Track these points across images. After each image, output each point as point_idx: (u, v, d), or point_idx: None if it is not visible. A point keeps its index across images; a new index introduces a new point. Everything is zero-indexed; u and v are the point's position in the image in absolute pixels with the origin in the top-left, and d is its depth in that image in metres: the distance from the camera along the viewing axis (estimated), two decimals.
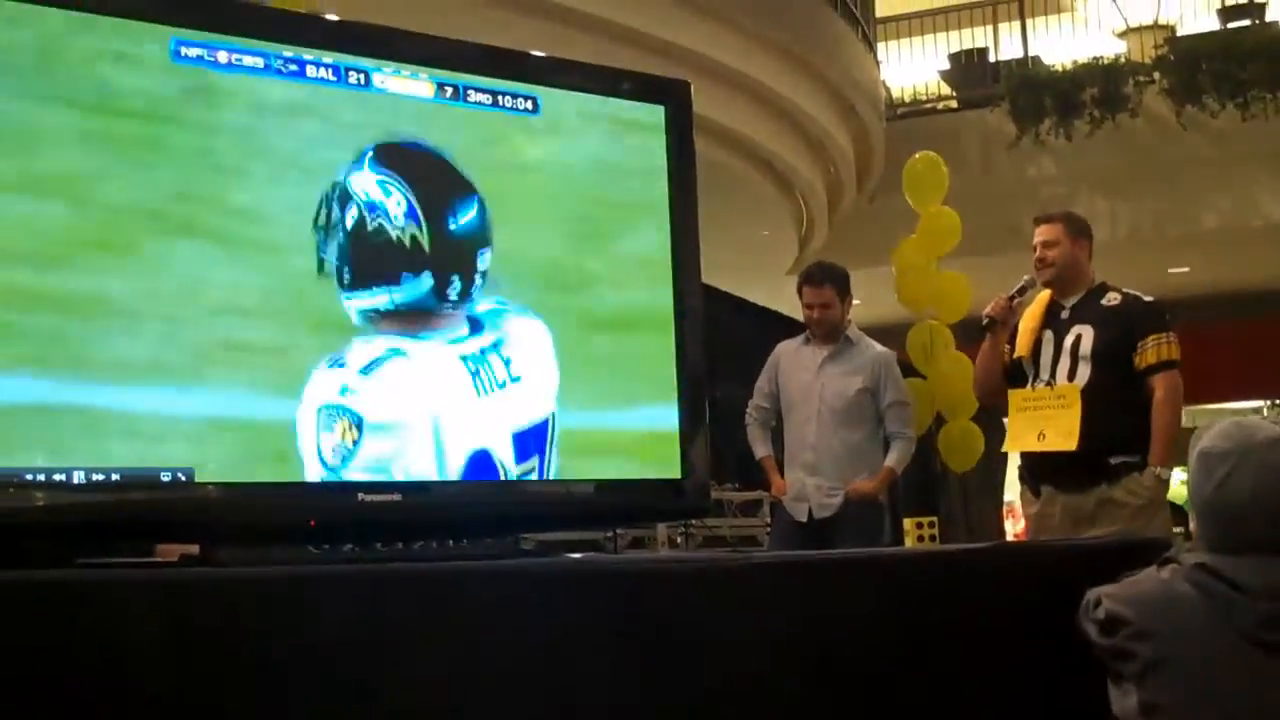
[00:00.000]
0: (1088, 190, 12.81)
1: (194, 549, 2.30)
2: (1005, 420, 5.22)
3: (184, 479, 2.19)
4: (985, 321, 5.23)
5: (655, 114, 2.76)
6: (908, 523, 5.35)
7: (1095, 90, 12.38)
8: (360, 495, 2.34)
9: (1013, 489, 12.09)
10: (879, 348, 6.19)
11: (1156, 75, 12.45)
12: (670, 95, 2.81)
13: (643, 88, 2.79)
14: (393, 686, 2.01)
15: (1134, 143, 12.40)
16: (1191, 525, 2.57)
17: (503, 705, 2.10)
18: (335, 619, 2.00)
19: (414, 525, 2.42)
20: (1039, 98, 12.54)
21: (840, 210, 13.05)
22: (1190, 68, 12.04)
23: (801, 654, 2.42)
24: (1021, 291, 5.23)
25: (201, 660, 1.87)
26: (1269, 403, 14.61)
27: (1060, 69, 12.94)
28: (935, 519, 5.18)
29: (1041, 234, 5.17)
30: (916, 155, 7.84)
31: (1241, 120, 11.84)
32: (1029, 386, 5.07)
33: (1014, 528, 12.36)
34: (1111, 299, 5.04)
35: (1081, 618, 2.54)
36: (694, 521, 6.71)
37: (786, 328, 7.41)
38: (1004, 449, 5.36)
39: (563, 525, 3.79)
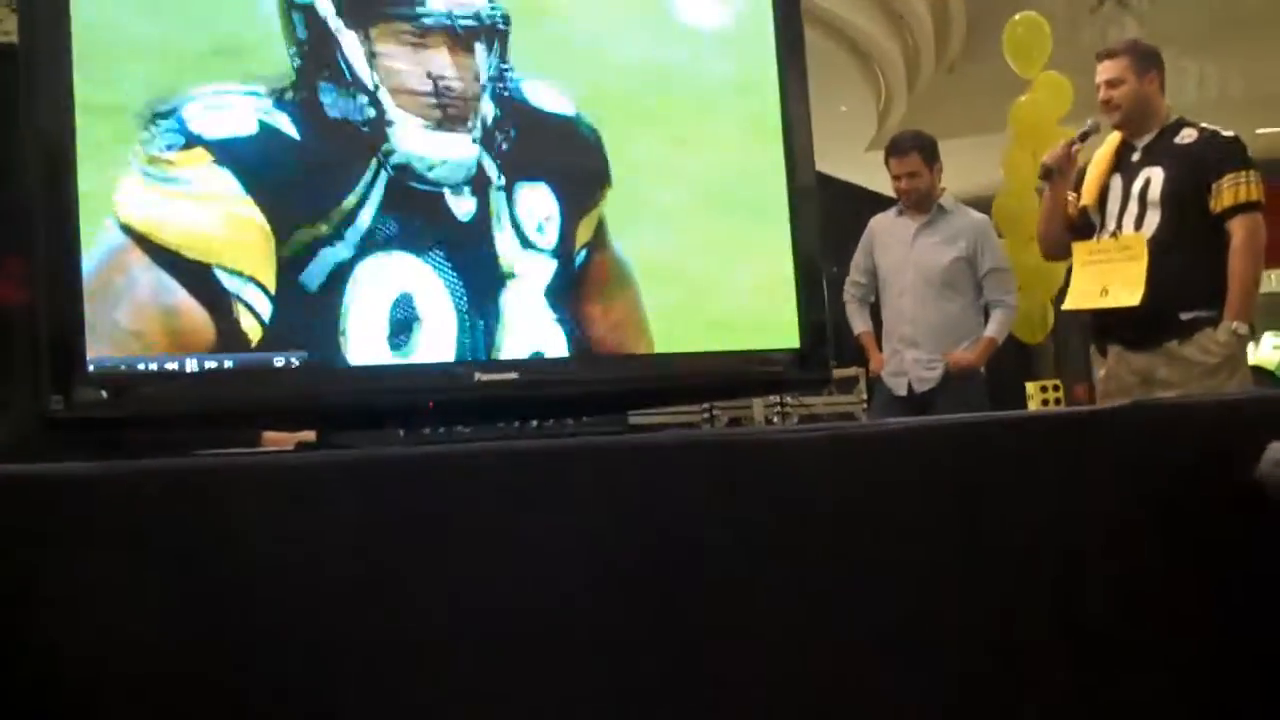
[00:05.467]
0: (1173, 51, 12.37)
1: (310, 436, 2.25)
2: None
3: (297, 364, 2.13)
4: (1041, 171, 4.95)
5: None
6: (1031, 387, 5.23)
7: None
8: (477, 374, 2.26)
9: None
10: (975, 214, 6.07)
11: None
12: None
13: None
14: (535, 566, 1.95)
15: (1218, 1, 12.03)
16: None
17: (664, 583, 2.06)
18: (467, 498, 1.94)
19: (531, 404, 2.36)
20: None
21: (919, 83, 12.80)
22: None
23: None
24: (1084, 136, 4.92)
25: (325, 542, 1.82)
26: None
27: None
28: (1059, 382, 5.06)
29: (1104, 71, 4.85)
30: (1017, 17, 7.67)
31: None
32: (1096, 238, 4.80)
33: None
34: (1187, 135, 4.73)
35: (1273, 472, 2.39)
36: (789, 400, 6.64)
37: (873, 203, 7.29)
38: (1065, 307, 5.03)
39: (678, 399, 3.71)
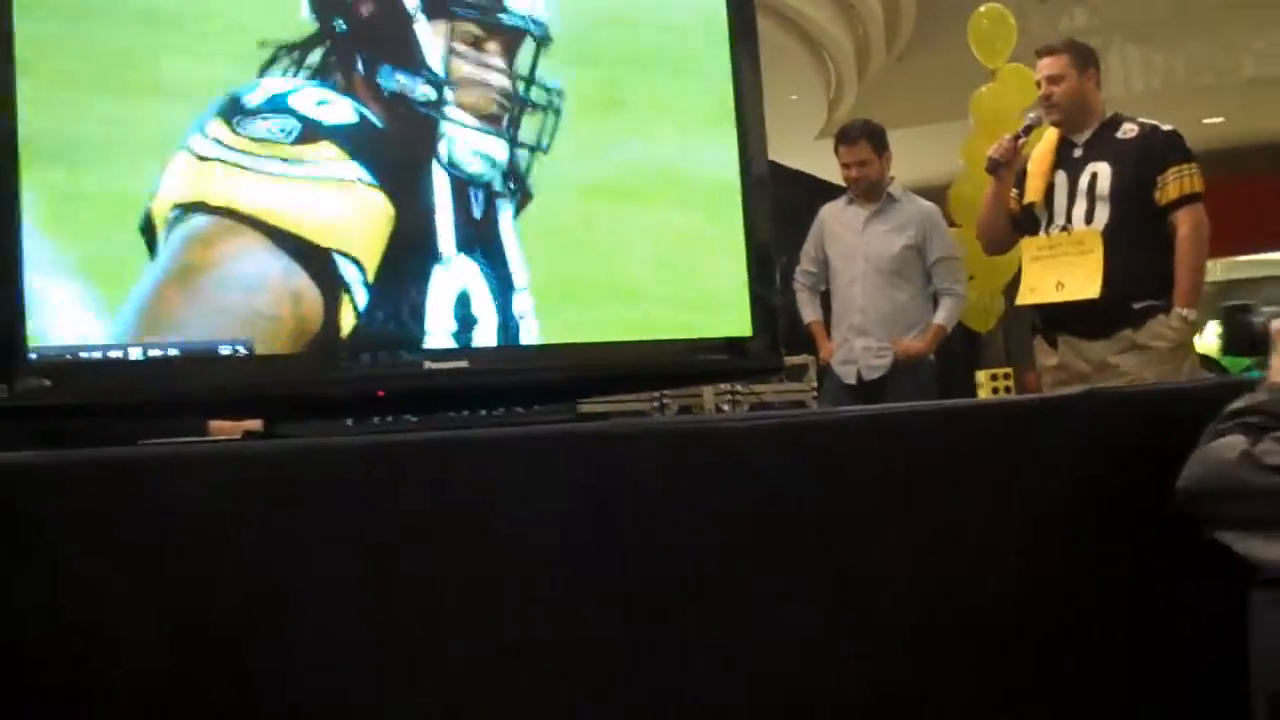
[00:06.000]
0: (1120, 40, 12.55)
1: (256, 425, 2.22)
2: None
3: (244, 352, 2.10)
4: (988, 165, 4.99)
5: None
6: (981, 375, 5.26)
7: None
8: (427, 363, 2.24)
9: None
10: (924, 203, 6.08)
11: None
12: None
13: None
14: (478, 557, 1.94)
15: None
16: None
17: (598, 570, 2.05)
18: (418, 486, 1.93)
19: (482, 392, 2.34)
20: None
21: (869, 72, 12.83)
22: None
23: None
24: (1028, 130, 4.96)
25: (283, 533, 1.80)
26: None
27: None
28: (1010, 370, 5.09)
29: (1045, 68, 4.92)
30: (982, 9, 7.73)
31: None
32: (1043, 233, 4.85)
33: None
34: (1128, 131, 4.79)
35: (1241, 465, 2.40)
36: (739, 388, 6.64)
37: (823, 191, 7.30)
38: (1019, 302, 5.07)
39: (629, 387, 3.70)
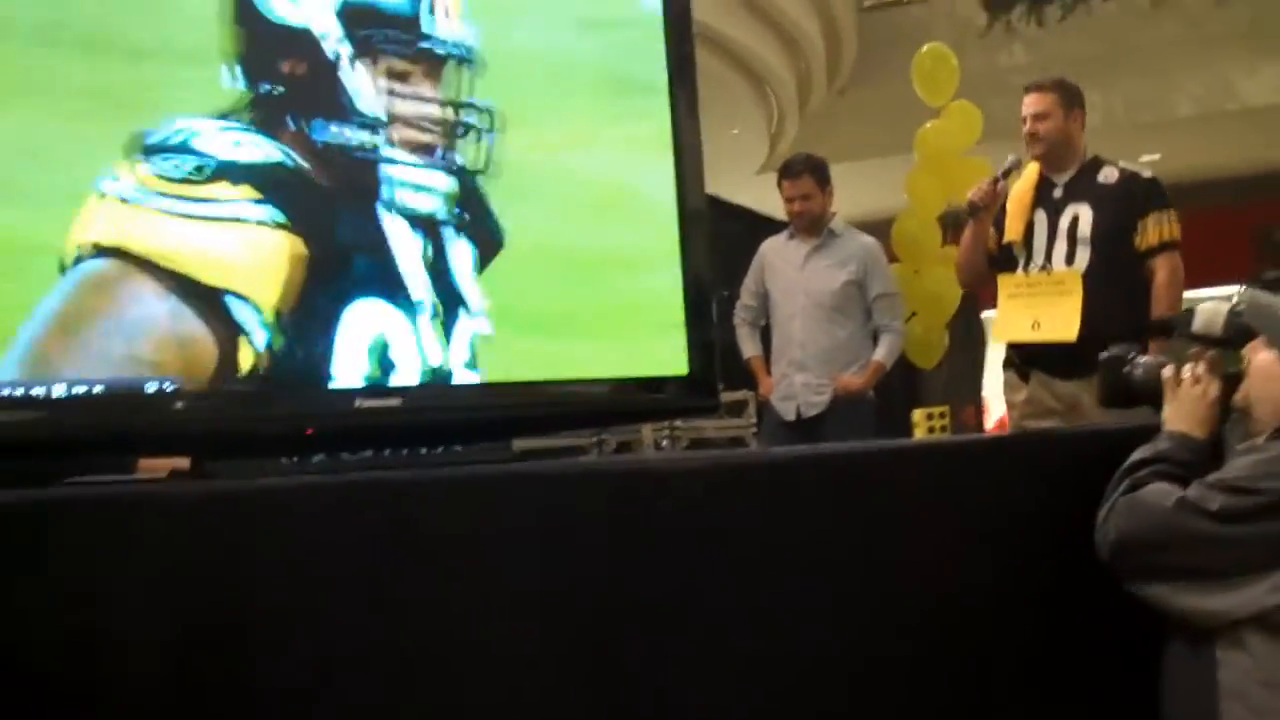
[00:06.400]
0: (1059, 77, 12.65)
1: (184, 463, 2.18)
2: (983, 315, 5.04)
3: (170, 389, 2.06)
4: (968, 207, 4.98)
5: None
6: (917, 414, 5.22)
7: None
8: (358, 400, 2.20)
9: (991, 386, 12.14)
10: (865, 238, 6.08)
11: None
12: None
13: None
14: (404, 604, 1.90)
15: (1106, 28, 12.22)
16: None
17: (530, 624, 2.02)
18: (336, 529, 1.89)
19: (414, 431, 2.30)
20: None
21: (811, 106, 12.88)
22: None
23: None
24: (1007, 173, 4.92)
25: (202, 576, 1.76)
26: (1241, 288, 14.52)
27: None
28: (946, 409, 5.07)
29: (1031, 104, 4.88)
30: (924, 49, 7.76)
31: (1214, 2, 11.67)
32: (1021, 271, 4.83)
33: (989, 423, 12.39)
34: (1109, 175, 4.78)
35: (1180, 513, 2.40)
36: (679, 424, 6.62)
37: (765, 226, 7.30)
38: (994, 339, 5.04)
39: (566, 426, 3.67)
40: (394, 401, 2.23)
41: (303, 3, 2.18)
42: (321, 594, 1.83)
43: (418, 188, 2.26)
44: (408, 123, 2.26)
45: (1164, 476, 2.47)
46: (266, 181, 2.09)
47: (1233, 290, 2.83)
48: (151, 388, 2.04)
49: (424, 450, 2.27)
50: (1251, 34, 11.99)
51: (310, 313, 2.15)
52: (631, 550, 2.15)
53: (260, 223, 2.09)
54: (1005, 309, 4.83)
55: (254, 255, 2.08)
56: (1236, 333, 2.62)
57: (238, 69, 2.10)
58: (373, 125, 2.22)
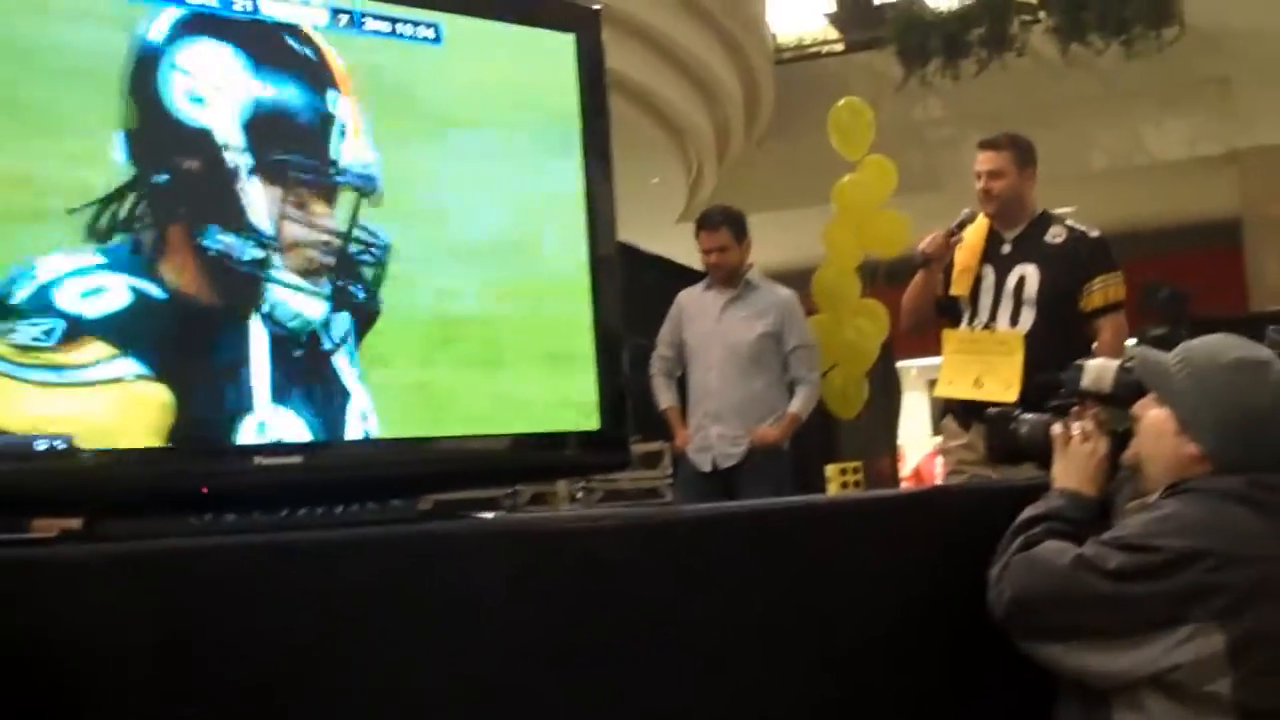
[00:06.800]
0: (975, 130, 12.57)
1: (75, 523, 2.10)
2: (899, 365, 5.07)
3: (62, 447, 1.99)
4: (920, 259, 4.98)
5: (564, 43, 2.58)
6: (830, 469, 5.24)
7: (982, 30, 12.32)
8: (257, 458, 2.14)
9: (906, 435, 12.20)
10: (782, 290, 6.08)
11: (1042, 14, 12.42)
12: (581, 23, 2.62)
13: (551, 14, 2.60)
14: (307, 668, 1.85)
15: (1020, 82, 12.35)
16: (1202, 446, 2.40)
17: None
18: (238, 591, 1.84)
19: (316, 489, 2.24)
20: (925, 39, 12.46)
21: (729, 156, 12.93)
22: (1075, 6, 12.01)
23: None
24: (961, 226, 4.93)
25: (93, 641, 1.70)
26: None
27: (946, 10, 12.86)
28: (860, 464, 5.09)
29: (986, 162, 4.91)
30: (841, 102, 7.84)
31: (1125, 58, 11.85)
32: (965, 325, 4.85)
33: (904, 471, 12.44)
34: (1056, 235, 4.82)
35: (1077, 572, 2.35)
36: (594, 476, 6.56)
37: (683, 276, 7.29)
38: (936, 393, 5.05)
39: (471, 483, 3.61)
40: (294, 459, 2.17)
41: (208, 104, 2.13)
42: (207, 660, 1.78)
43: (297, 313, 2.20)
44: (298, 245, 2.20)
45: (1057, 534, 2.46)
46: (122, 333, 2.02)
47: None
48: (42, 445, 1.97)
49: (324, 510, 2.22)
50: (1161, 90, 12.19)
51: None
52: (537, 611, 2.13)
53: (122, 380, 2.01)
54: (950, 364, 4.86)
55: (125, 413, 2.02)
56: (1126, 390, 2.62)
57: (127, 157, 2.04)
58: (264, 243, 2.16)
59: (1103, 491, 2.60)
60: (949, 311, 4.93)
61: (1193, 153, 12.65)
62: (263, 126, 2.18)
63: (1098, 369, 2.73)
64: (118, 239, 2.02)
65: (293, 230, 2.19)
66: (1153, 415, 2.50)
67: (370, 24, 2.34)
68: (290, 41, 2.25)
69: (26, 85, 1.98)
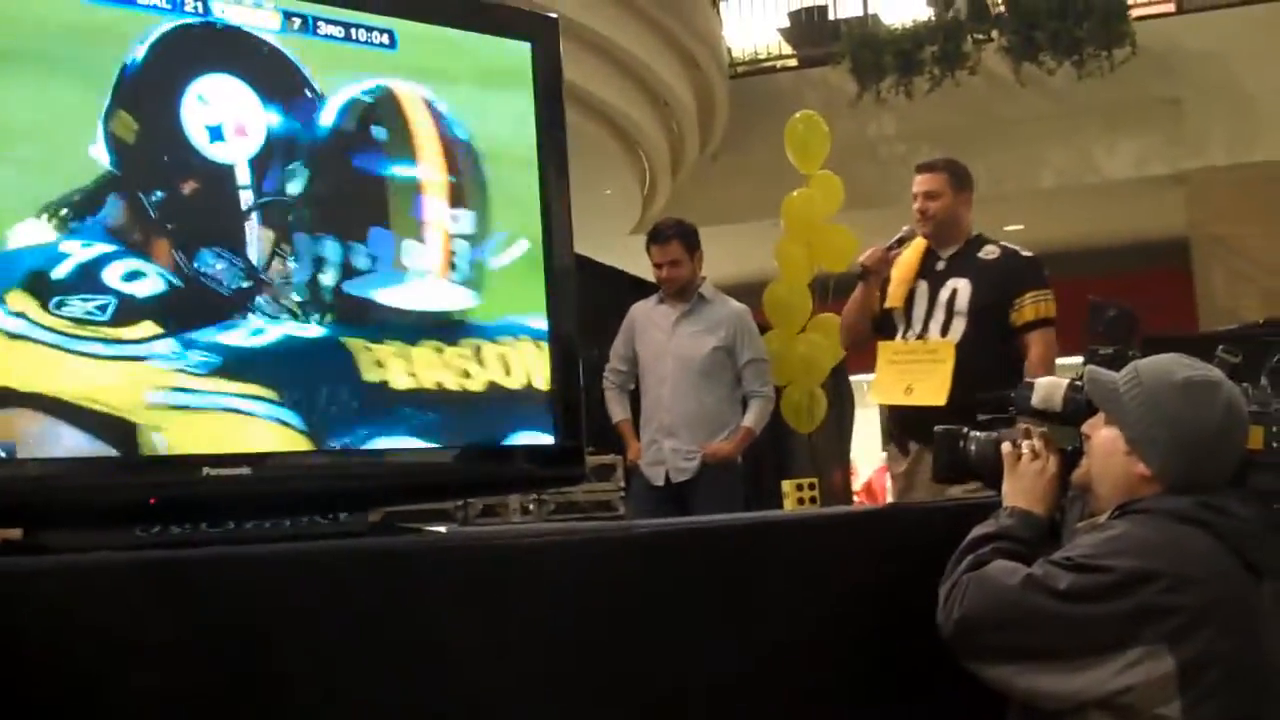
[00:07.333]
0: (927, 147, 12.74)
1: (15, 534, 2.05)
2: (851, 379, 5.13)
3: (3, 455, 1.94)
4: (859, 271, 5.08)
5: (520, 51, 2.55)
6: (787, 485, 5.23)
7: (935, 48, 12.37)
8: (205, 469, 2.10)
9: (859, 450, 12.21)
10: (734, 304, 6.07)
11: (995, 33, 12.48)
12: (537, 31, 2.59)
13: (507, 22, 2.57)
14: (257, 682, 1.81)
15: (973, 100, 12.41)
16: (1152, 466, 2.40)
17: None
18: (179, 607, 1.80)
19: (264, 500, 2.20)
20: (879, 56, 12.50)
21: (683, 169, 12.91)
22: (1028, 25, 12.08)
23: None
24: (901, 242, 5.04)
25: (31, 657, 1.66)
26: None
27: (900, 27, 12.90)
28: (815, 480, 5.09)
29: (923, 184, 5.03)
30: (797, 115, 7.86)
31: (1077, 78, 11.91)
32: (899, 338, 4.95)
33: (856, 485, 12.46)
34: (989, 252, 4.94)
35: (1027, 592, 2.34)
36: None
37: (636, 288, 7.27)
38: (871, 398, 5.18)
39: (426, 496, 3.57)
40: (243, 470, 2.13)
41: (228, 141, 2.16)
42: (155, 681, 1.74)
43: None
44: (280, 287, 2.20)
45: (1006, 554, 2.44)
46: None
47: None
48: None
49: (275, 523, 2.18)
50: (1112, 110, 12.27)
51: None
52: (492, 626, 2.10)
53: None
54: (883, 373, 4.96)
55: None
56: (1076, 409, 2.62)
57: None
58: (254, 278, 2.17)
59: (1052, 511, 2.60)
60: (885, 328, 5.04)
61: (1142, 172, 12.72)
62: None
63: (1047, 387, 2.73)
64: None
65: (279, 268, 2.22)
66: (1102, 435, 2.49)
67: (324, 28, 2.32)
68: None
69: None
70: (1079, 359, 4.40)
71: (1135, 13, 12.30)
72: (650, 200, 12.89)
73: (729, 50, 13.70)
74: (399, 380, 2.29)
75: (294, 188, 2.23)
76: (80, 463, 2.00)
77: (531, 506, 6.41)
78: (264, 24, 2.25)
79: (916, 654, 2.48)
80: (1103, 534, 2.38)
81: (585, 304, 2.64)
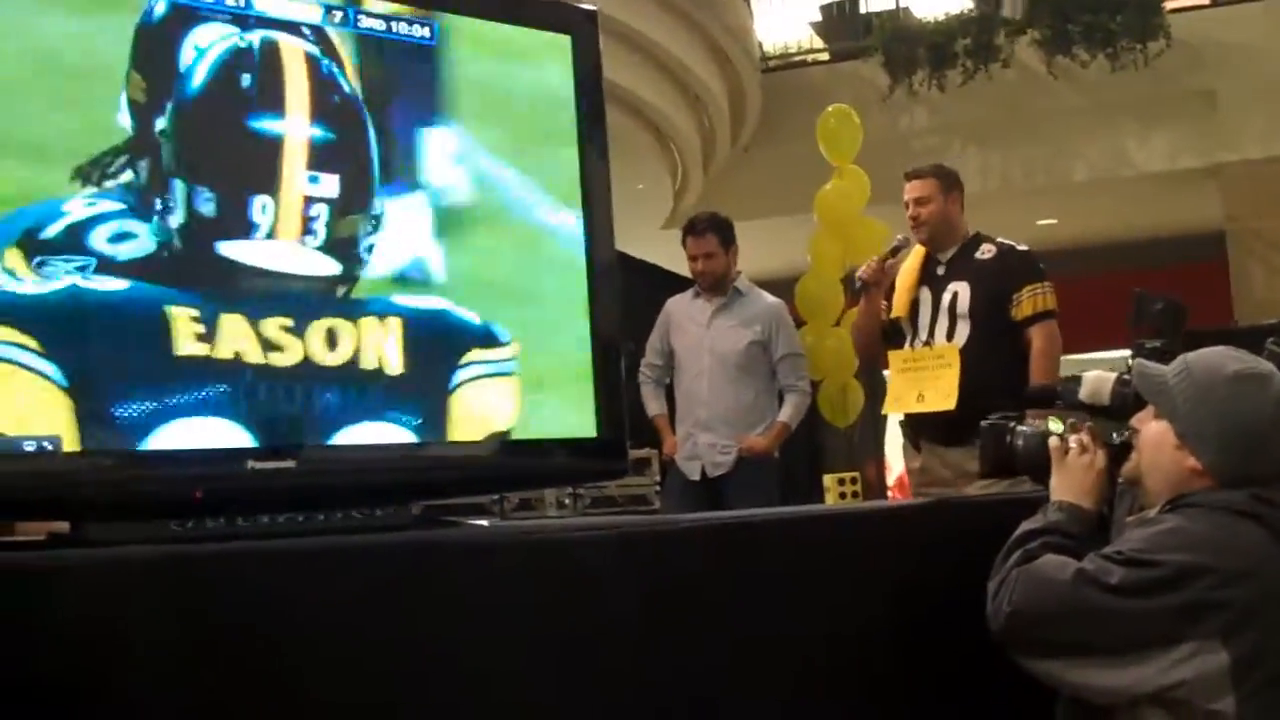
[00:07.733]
0: (960, 142, 12.78)
1: (64, 526, 2.05)
2: (886, 373, 5.14)
3: (50, 448, 1.94)
4: (858, 285, 5.15)
5: (561, 43, 2.55)
6: (828, 479, 5.22)
7: (968, 41, 12.31)
8: (250, 463, 2.10)
9: (892, 444, 12.17)
10: (770, 298, 6.06)
11: (1028, 27, 12.41)
12: (576, 23, 2.59)
13: (547, 15, 2.57)
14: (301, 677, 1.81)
15: (1006, 94, 12.34)
16: (1203, 459, 2.38)
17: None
18: (230, 600, 1.80)
19: (309, 494, 2.19)
20: (911, 49, 12.45)
21: (715, 163, 12.89)
22: (1061, 18, 12.01)
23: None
24: (895, 251, 5.11)
25: (77, 650, 1.66)
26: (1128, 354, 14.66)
27: (932, 21, 12.85)
28: (858, 474, 5.08)
29: (913, 191, 5.12)
30: (829, 109, 7.84)
31: (1111, 71, 11.84)
32: (908, 346, 5.00)
33: (890, 480, 12.42)
34: (986, 251, 5.01)
35: (1078, 587, 2.33)
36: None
37: (668, 282, 7.26)
38: (884, 410, 5.27)
39: (468, 490, 3.57)
40: (288, 463, 2.12)
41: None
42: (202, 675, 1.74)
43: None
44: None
45: (1055, 548, 2.43)
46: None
47: (1125, 353, 2.82)
48: (30, 446, 1.93)
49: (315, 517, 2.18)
50: (1145, 104, 12.18)
51: None
52: (532, 618, 2.10)
53: None
54: (895, 383, 5.01)
55: None
56: (1124, 402, 2.60)
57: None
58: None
59: (1101, 505, 2.58)
60: (894, 337, 5.09)
61: (1176, 166, 12.64)
62: None
63: (1096, 380, 2.72)
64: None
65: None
66: (1152, 428, 2.47)
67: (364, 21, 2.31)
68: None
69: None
70: (1121, 352, 4.40)
71: (1169, 5, 12.17)
72: (682, 195, 12.87)
73: (760, 44, 13.66)
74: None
75: None
76: (125, 455, 2.00)
77: (567, 501, 6.41)
78: (305, 16, 2.24)
79: (965, 648, 2.46)
80: (1154, 528, 2.36)
81: (619, 298, 2.63)
